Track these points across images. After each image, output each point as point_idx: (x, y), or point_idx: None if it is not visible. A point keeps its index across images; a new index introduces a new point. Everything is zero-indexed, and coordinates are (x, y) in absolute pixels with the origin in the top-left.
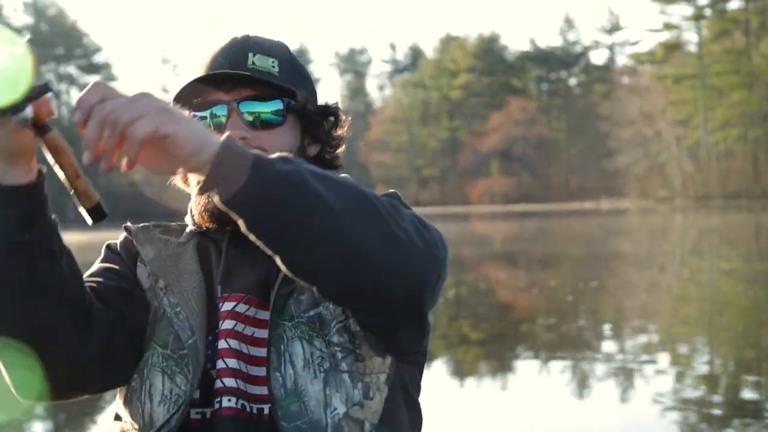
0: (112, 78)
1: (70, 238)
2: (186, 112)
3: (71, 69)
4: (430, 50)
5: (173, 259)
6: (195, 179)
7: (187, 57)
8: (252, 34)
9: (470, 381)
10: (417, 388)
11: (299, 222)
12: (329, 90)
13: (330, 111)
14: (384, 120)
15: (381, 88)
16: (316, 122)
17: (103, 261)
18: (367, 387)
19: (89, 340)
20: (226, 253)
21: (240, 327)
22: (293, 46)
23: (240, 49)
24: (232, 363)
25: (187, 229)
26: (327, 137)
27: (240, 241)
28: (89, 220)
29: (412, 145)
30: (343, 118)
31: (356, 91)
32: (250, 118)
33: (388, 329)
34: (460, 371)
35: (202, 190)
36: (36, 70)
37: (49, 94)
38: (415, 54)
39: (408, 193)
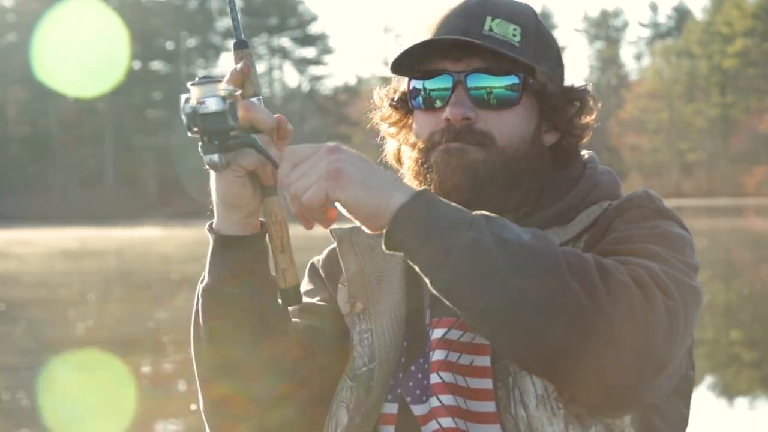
0: (328, 51)
1: None
2: (367, 163)
3: (284, 41)
4: (698, 10)
5: (377, 276)
6: (408, 160)
7: (412, 25)
8: None
9: (741, 409)
10: (677, 420)
11: (474, 295)
12: (576, 60)
13: (575, 94)
14: (640, 95)
15: (638, 57)
16: (557, 106)
17: (304, 293)
18: (609, 428)
19: (291, 402)
20: None
21: (454, 356)
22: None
23: (477, 10)
24: (448, 400)
25: None
26: (569, 125)
27: None
28: (279, 300)
29: (674, 124)
30: (592, 103)
31: (608, 61)
32: (478, 95)
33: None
34: (729, 397)
35: (384, 247)
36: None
37: (253, 152)
38: (681, 15)
39: (668, 181)
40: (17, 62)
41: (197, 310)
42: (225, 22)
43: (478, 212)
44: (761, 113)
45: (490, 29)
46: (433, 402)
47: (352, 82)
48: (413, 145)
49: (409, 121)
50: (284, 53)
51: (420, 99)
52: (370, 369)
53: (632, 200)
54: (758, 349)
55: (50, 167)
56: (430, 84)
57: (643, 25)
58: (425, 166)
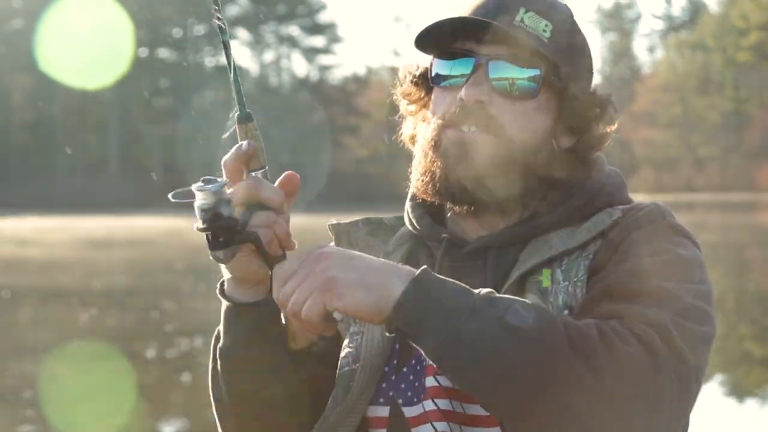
0: (337, 40)
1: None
2: (356, 259)
3: (293, 30)
4: (713, 3)
5: None
6: (421, 139)
7: (423, 14)
8: None
9: (753, 407)
10: None
11: (479, 380)
12: None
13: (597, 100)
14: (653, 88)
15: (651, 49)
16: (577, 108)
17: None
18: None
19: None
20: (439, 266)
21: None
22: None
23: (513, 0)
24: (444, 404)
25: (400, 231)
26: (586, 131)
27: (456, 251)
28: (294, 360)
29: (687, 118)
30: (613, 113)
31: (621, 53)
32: (497, 81)
33: None
34: (741, 395)
35: (387, 332)
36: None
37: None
38: (695, 8)
39: (680, 176)
40: (23, 49)
41: (215, 369)
42: (233, 10)
43: (481, 294)
44: None
45: (522, 20)
46: (428, 405)
47: (362, 72)
48: (428, 121)
49: (429, 100)
50: (293, 42)
51: (440, 77)
52: (352, 369)
53: (643, 216)
54: None
55: (55, 155)
56: (452, 63)
57: (656, 17)
58: (435, 149)
